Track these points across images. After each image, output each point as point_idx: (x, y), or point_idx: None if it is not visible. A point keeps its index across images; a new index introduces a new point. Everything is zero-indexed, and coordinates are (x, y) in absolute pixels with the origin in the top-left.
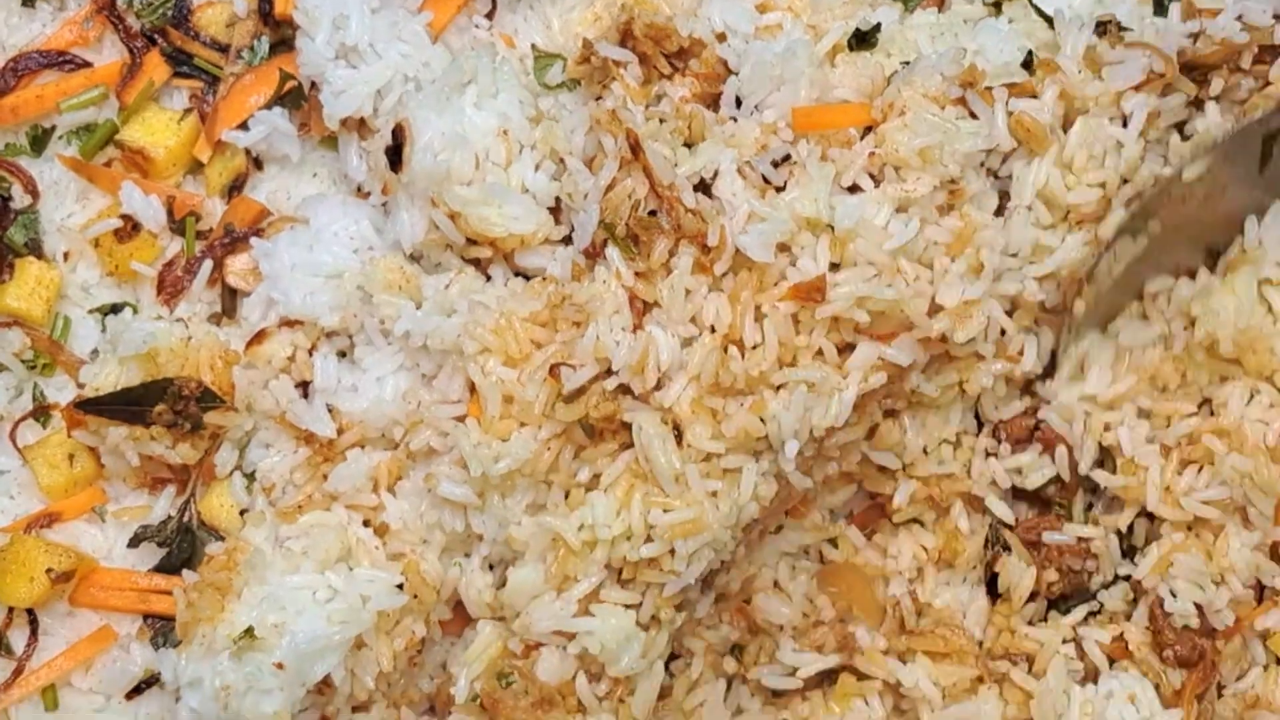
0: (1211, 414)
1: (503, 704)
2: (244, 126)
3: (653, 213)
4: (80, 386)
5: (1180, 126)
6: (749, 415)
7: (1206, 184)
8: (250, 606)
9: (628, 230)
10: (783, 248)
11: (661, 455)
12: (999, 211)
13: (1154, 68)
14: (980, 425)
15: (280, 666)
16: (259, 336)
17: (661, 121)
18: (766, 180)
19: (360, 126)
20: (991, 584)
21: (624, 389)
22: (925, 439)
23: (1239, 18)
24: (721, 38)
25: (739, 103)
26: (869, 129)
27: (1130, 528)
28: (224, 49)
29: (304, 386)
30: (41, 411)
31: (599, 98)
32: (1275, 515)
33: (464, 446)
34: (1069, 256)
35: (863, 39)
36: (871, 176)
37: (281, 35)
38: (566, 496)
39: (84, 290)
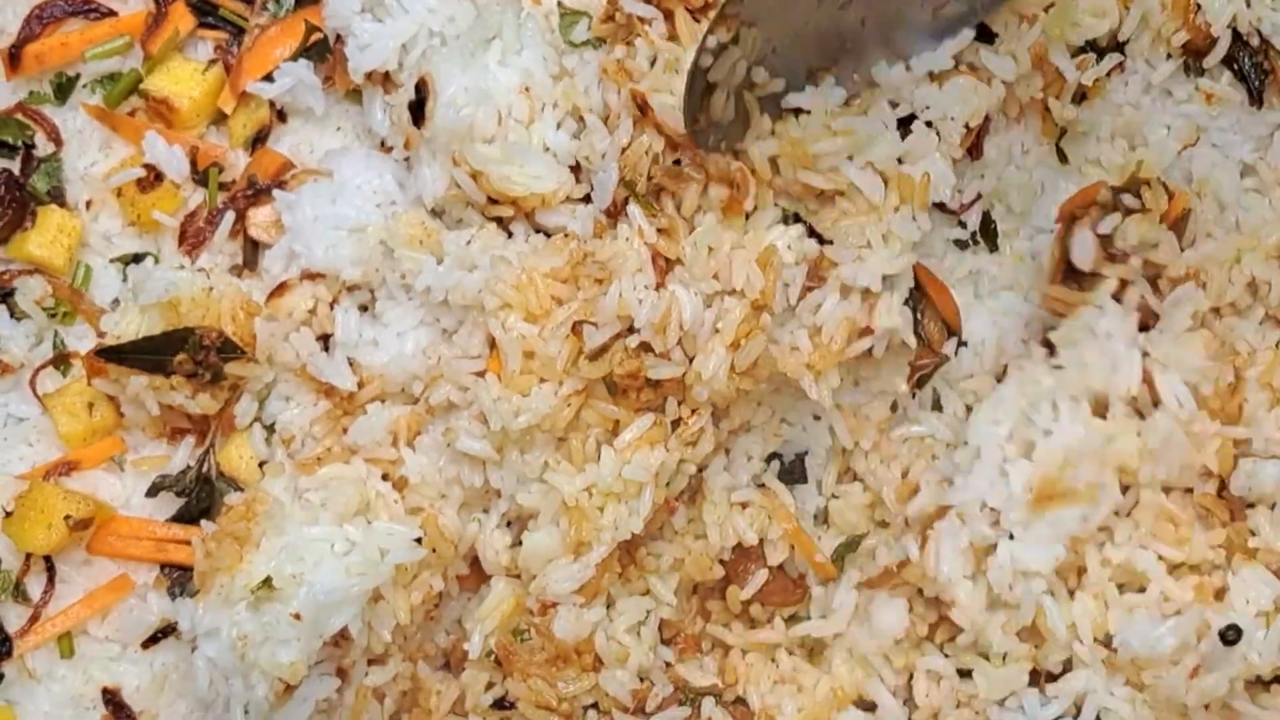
0: None
1: (517, 658)
2: (268, 78)
3: (677, 162)
4: (101, 335)
5: None
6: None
7: None
8: (268, 557)
9: (649, 186)
10: None
11: None
12: None
13: None
14: None
15: (297, 617)
16: (280, 289)
17: (676, 72)
18: None
19: (385, 80)
20: None
21: (645, 347)
22: None
23: None
24: None
25: None
26: None
27: None
28: (249, 0)
29: (325, 339)
30: (62, 360)
31: None
32: None
33: (484, 401)
34: None
35: None
36: None
37: None
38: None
39: (106, 239)
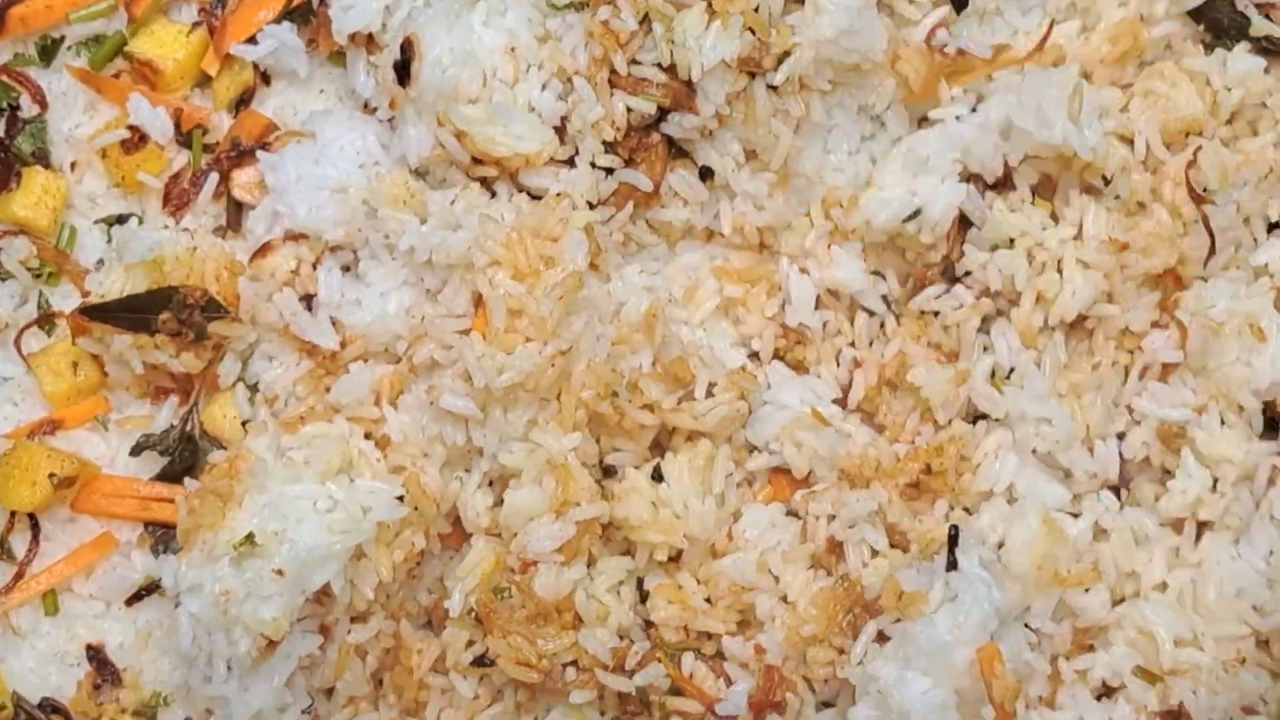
0: None
1: (498, 616)
2: (252, 41)
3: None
4: (85, 295)
5: None
6: None
7: None
8: (251, 514)
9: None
10: None
11: None
12: None
13: None
14: None
15: (280, 573)
16: (264, 249)
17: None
18: None
19: (368, 42)
20: None
21: None
22: None
23: None
24: None
25: None
26: None
27: None
28: None
29: (308, 299)
30: (46, 319)
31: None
32: None
33: (468, 358)
34: None
35: None
36: None
37: None
38: None
39: (90, 200)
